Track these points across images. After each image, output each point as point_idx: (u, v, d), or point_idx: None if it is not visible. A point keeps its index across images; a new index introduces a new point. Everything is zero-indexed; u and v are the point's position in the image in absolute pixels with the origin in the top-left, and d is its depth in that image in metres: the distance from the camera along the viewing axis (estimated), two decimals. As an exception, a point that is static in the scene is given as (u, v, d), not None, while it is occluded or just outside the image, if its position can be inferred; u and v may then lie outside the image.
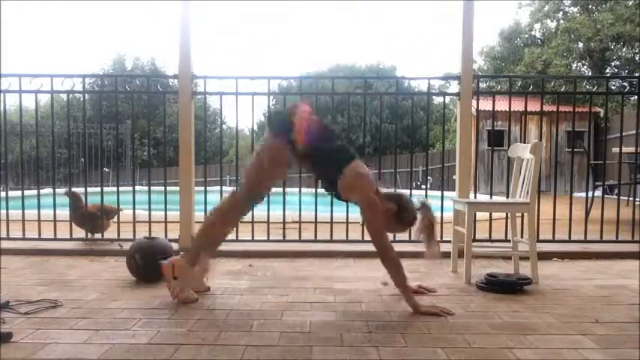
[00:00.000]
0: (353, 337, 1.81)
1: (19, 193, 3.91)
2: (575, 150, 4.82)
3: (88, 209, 3.73)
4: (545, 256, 3.24)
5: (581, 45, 15.84)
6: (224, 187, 3.79)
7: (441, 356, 1.64)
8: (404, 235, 3.56)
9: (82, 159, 9.91)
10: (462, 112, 3.55)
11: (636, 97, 3.94)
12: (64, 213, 3.78)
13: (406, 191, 3.05)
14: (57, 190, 3.81)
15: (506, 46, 17.93)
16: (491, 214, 3.57)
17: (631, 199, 4.40)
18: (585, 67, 16.67)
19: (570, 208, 3.64)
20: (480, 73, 16.16)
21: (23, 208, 3.72)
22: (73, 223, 3.72)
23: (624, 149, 4.08)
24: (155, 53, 29.59)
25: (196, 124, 3.75)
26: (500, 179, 9.48)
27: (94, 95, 4.68)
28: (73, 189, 3.81)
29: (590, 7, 16.50)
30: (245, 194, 2.33)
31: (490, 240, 3.57)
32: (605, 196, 3.96)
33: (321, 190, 3.99)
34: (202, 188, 3.75)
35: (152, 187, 3.66)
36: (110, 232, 3.77)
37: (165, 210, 3.62)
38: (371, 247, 2.88)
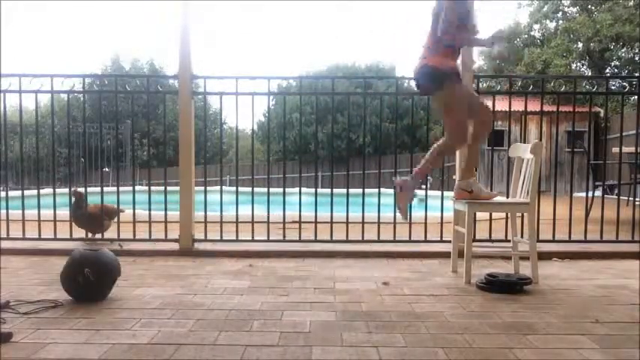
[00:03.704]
0: (353, 337, 1.81)
1: (19, 193, 3.91)
2: (575, 150, 4.81)
3: (89, 209, 3.73)
4: (545, 256, 3.24)
5: (580, 45, 15.84)
6: (224, 187, 3.79)
7: (441, 356, 1.64)
8: (404, 235, 3.58)
9: (82, 159, 9.91)
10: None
11: (636, 97, 3.94)
12: (64, 213, 3.78)
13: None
14: (57, 190, 3.81)
15: (506, 46, 17.90)
16: (491, 214, 3.57)
17: (631, 199, 4.40)
18: (585, 67, 16.67)
19: (570, 208, 3.64)
20: (480, 73, 16.14)
21: (23, 208, 3.72)
22: (73, 223, 3.72)
23: (624, 149, 4.08)
24: (153, 54, 29.56)
25: (196, 123, 3.75)
26: (500, 179, 9.46)
27: (94, 95, 4.69)
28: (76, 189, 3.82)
29: (589, 7, 16.50)
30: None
31: (490, 240, 3.57)
32: (605, 196, 3.96)
33: (321, 190, 4.01)
34: (202, 188, 3.75)
35: (152, 187, 3.66)
36: (110, 232, 3.78)
37: (165, 210, 3.62)
38: (371, 247, 2.89)
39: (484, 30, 2.80)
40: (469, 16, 2.81)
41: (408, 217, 2.93)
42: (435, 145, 2.84)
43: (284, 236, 3.71)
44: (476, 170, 2.90)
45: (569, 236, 3.63)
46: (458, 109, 2.78)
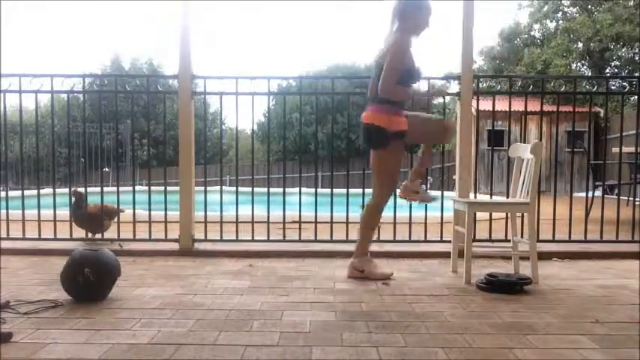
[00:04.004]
0: (353, 337, 1.81)
1: (19, 193, 3.91)
2: (575, 150, 4.82)
3: (89, 210, 3.73)
4: (545, 256, 3.24)
5: (580, 45, 15.83)
6: (224, 187, 3.78)
7: (441, 356, 1.64)
8: (404, 235, 3.58)
9: (82, 159, 9.91)
10: (462, 112, 3.54)
11: (636, 97, 3.94)
12: (64, 213, 3.78)
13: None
14: (57, 190, 3.81)
15: (506, 46, 17.91)
16: (491, 214, 3.57)
17: (631, 199, 4.40)
18: (585, 67, 16.66)
19: (570, 208, 3.63)
20: (480, 74, 16.13)
21: (23, 208, 3.72)
22: (73, 223, 3.72)
23: (624, 149, 4.08)
24: (153, 54, 29.56)
25: (196, 123, 3.75)
26: (500, 179, 9.47)
27: (94, 95, 4.70)
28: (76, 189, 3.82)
29: (589, 7, 16.49)
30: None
31: (490, 240, 3.57)
32: (605, 196, 3.96)
33: (321, 190, 4.01)
34: (202, 188, 3.75)
35: (152, 187, 3.66)
36: (110, 232, 3.78)
37: (165, 210, 3.62)
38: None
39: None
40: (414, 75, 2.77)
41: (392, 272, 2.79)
42: (364, 214, 2.85)
43: (284, 236, 3.71)
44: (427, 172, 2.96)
45: (569, 236, 3.63)
46: (386, 170, 2.78)
